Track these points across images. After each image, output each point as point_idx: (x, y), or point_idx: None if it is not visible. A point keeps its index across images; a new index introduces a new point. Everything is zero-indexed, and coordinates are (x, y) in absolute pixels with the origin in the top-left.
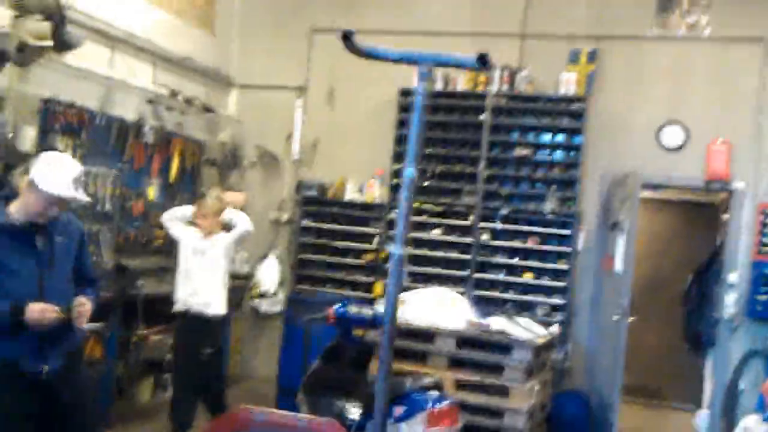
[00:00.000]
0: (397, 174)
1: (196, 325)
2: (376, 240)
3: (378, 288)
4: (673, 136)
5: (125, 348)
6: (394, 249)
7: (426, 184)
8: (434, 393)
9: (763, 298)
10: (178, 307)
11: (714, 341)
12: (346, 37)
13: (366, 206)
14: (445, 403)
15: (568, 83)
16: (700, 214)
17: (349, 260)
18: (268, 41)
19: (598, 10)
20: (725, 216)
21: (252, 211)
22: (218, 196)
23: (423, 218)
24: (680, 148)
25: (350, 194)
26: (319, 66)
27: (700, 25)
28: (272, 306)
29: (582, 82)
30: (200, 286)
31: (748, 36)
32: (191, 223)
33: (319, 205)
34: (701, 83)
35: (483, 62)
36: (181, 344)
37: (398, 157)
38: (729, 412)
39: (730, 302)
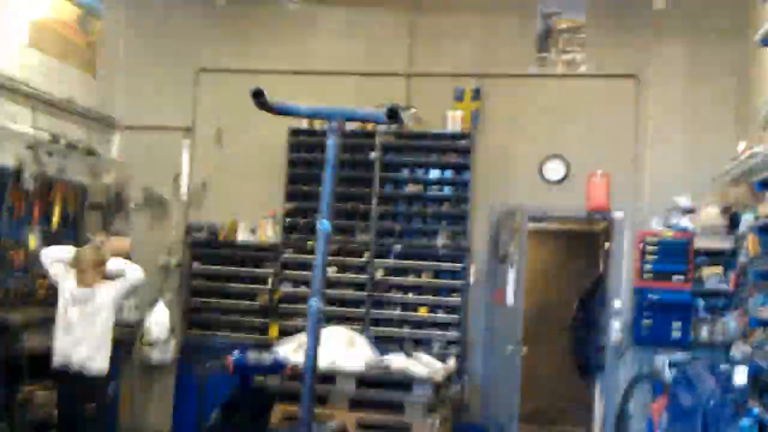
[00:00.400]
0: (289, 214)
1: (77, 381)
2: (270, 281)
3: (274, 330)
4: (555, 169)
5: (10, 408)
6: (312, 301)
7: None
8: None
9: (646, 322)
10: (57, 360)
11: (602, 366)
12: (257, 95)
13: (259, 247)
14: None
15: (455, 120)
16: (584, 243)
17: (242, 303)
18: (154, 82)
19: (481, 49)
20: (607, 244)
21: (139, 255)
22: (97, 246)
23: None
24: (562, 180)
25: (242, 236)
26: (206, 106)
27: (577, 63)
28: (163, 354)
29: (468, 119)
30: (82, 339)
31: (622, 73)
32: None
33: (210, 248)
34: (580, 118)
35: (393, 116)
36: (62, 402)
37: (291, 196)
38: None
39: (616, 328)
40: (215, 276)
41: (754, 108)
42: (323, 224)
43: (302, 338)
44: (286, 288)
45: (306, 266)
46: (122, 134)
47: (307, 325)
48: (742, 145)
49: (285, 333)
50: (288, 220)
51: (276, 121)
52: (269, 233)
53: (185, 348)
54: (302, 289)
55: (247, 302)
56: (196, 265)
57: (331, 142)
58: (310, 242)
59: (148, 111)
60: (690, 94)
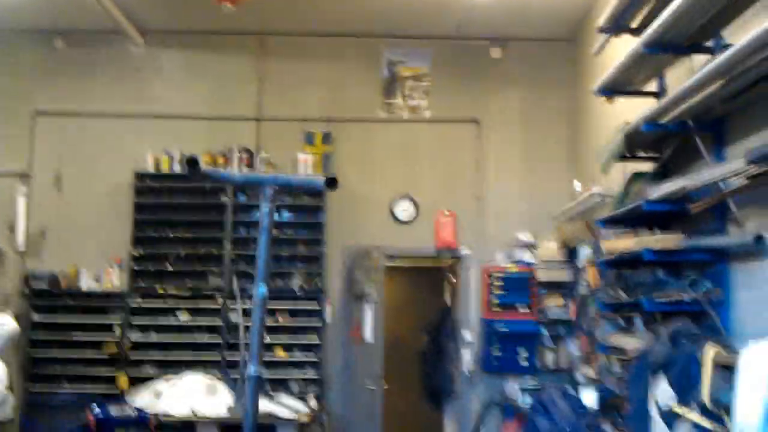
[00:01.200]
0: (136, 259)
1: None
2: (117, 329)
3: (123, 380)
4: (405, 209)
5: None
6: (250, 369)
7: (171, 268)
8: None
9: (495, 352)
10: None
11: (452, 394)
12: (191, 163)
13: (104, 295)
14: None
15: (305, 164)
16: (432, 278)
17: (88, 353)
18: None
19: (330, 94)
20: (454, 279)
21: None
22: None
23: (169, 303)
24: (412, 220)
25: (86, 284)
26: (43, 150)
27: (421, 108)
28: (1, 413)
29: (318, 163)
30: None
31: (464, 118)
32: None
33: (51, 298)
34: (427, 161)
35: (331, 185)
36: None
37: (138, 242)
38: None
39: (467, 358)
40: (57, 327)
41: (585, 151)
42: (260, 289)
43: (156, 387)
44: (135, 335)
45: (155, 312)
46: None
47: (246, 393)
48: (577, 186)
49: (135, 382)
50: (135, 266)
51: (120, 163)
52: (116, 280)
53: (27, 405)
54: (152, 336)
55: (94, 352)
56: (35, 316)
57: (266, 209)
58: (159, 289)
59: None
60: (527, 137)
